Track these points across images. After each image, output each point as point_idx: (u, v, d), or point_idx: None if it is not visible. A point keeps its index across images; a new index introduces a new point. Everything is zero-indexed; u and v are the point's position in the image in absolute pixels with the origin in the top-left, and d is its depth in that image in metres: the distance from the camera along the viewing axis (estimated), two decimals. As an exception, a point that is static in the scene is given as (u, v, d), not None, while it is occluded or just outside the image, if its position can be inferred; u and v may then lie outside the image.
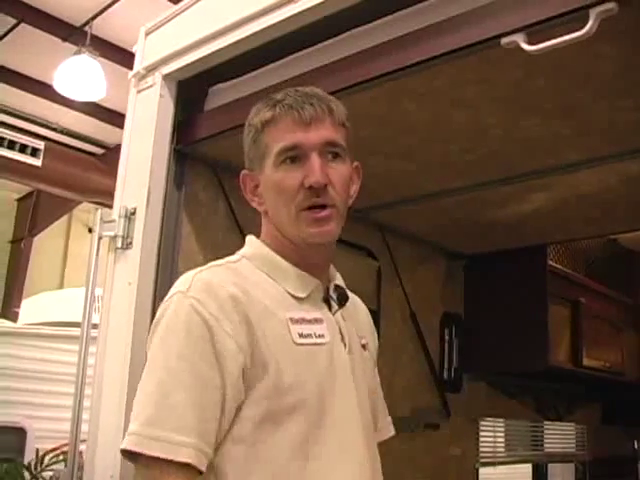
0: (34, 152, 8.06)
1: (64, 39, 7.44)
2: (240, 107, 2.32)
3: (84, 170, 8.68)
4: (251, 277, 1.47)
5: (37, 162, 8.07)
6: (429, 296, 3.71)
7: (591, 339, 4.09)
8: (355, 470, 1.44)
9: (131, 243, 2.35)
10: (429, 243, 3.73)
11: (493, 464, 4.48)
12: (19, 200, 11.39)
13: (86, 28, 7.30)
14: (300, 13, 2.04)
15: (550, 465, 5.28)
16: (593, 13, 1.56)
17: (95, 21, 7.24)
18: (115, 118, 8.62)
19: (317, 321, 1.48)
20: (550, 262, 3.86)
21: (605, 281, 4.53)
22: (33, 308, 7.56)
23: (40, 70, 8.11)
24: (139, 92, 2.54)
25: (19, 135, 8.12)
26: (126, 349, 2.24)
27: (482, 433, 4.18)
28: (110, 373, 2.29)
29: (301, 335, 1.42)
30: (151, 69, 2.50)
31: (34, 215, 10.96)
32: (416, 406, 3.45)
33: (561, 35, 1.62)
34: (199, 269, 1.46)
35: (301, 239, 1.47)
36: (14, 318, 8.25)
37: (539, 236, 3.59)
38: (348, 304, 1.60)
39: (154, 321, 1.43)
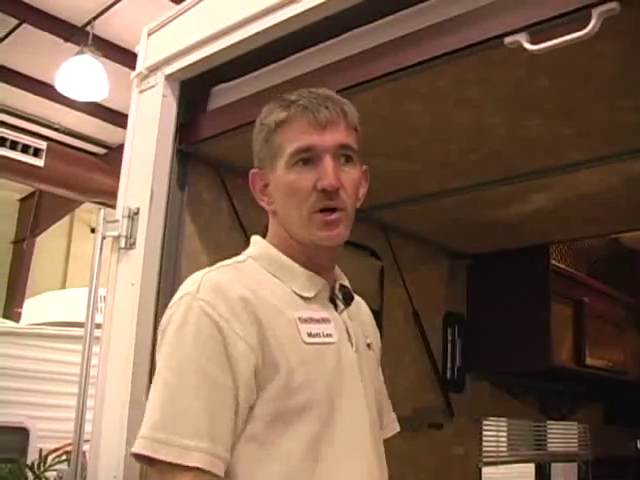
0: (36, 152, 8.08)
1: (66, 39, 7.45)
2: (243, 107, 2.33)
3: (86, 170, 8.69)
4: (258, 277, 1.47)
5: (39, 162, 8.08)
6: (432, 296, 3.71)
7: (594, 339, 4.09)
8: (364, 469, 1.44)
9: (134, 243, 2.35)
10: (432, 243, 3.73)
11: (496, 464, 4.48)
12: (21, 200, 11.41)
13: (88, 28, 7.31)
14: (302, 13, 2.04)
15: (553, 465, 5.28)
16: (595, 13, 1.56)
17: (97, 21, 7.25)
18: (117, 118, 8.64)
19: (325, 320, 1.48)
20: (553, 262, 3.86)
21: (607, 281, 4.53)
22: (35, 308, 7.56)
23: (42, 70, 8.12)
24: (141, 92, 2.54)
25: (21, 135, 8.13)
26: (129, 349, 2.25)
27: (485, 433, 4.18)
28: (113, 373, 2.30)
29: (310, 334, 1.42)
30: (153, 69, 2.50)
31: (36, 215, 10.97)
32: (419, 406, 3.45)
33: (563, 35, 1.62)
34: (207, 269, 1.45)
35: (310, 241, 1.47)
36: (16, 318, 8.26)
37: (541, 236, 3.59)
38: (353, 304, 1.60)
39: (163, 322, 1.43)
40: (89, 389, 2.36)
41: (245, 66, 2.35)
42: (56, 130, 9.42)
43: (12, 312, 9.68)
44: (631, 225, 3.48)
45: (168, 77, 2.46)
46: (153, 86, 2.48)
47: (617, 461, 5.25)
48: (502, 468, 4.66)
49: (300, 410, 1.36)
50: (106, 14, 7.12)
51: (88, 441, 2.31)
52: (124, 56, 7.35)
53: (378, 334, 1.76)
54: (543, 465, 5.19)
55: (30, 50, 7.77)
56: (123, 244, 2.37)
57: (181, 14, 2.47)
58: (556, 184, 2.85)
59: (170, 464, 1.27)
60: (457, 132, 2.43)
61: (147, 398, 1.38)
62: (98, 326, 2.40)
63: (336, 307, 1.54)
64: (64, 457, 4.92)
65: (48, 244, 11.44)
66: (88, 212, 11.38)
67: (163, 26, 2.53)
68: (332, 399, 1.41)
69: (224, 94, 2.46)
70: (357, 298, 1.71)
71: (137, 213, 2.37)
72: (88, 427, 2.33)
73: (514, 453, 4.73)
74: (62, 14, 7.28)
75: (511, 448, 4.66)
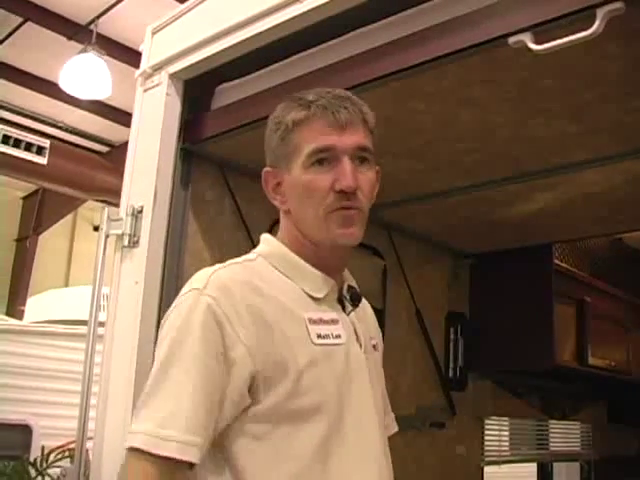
0: (40, 150, 8.09)
1: (70, 38, 7.46)
2: (246, 106, 2.33)
3: (89, 168, 8.70)
4: (268, 276, 1.47)
5: (43, 160, 8.09)
6: (435, 295, 3.71)
7: (596, 338, 4.08)
8: (374, 469, 1.45)
9: (138, 241, 2.36)
10: (435, 242, 3.73)
11: (498, 463, 4.48)
12: (24, 198, 11.43)
13: (92, 27, 7.32)
14: (306, 13, 2.04)
15: (555, 464, 5.28)
16: (600, 13, 1.56)
17: (100, 20, 7.26)
18: (120, 116, 8.65)
19: (334, 321, 1.48)
20: (556, 261, 3.86)
21: (610, 280, 4.53)
22: (39, 306, 7.59)
23: (46, 68, 8.14)
24: (146, 91, 2.54)
25: (25, 133, 8.14)
26: (133, 347, 2.25)
27: (487, 432, 4.18)
28: (117, 371, 2.30)
29: (319, 336, 1.43)
30: (157, 68, 2.50)
31: (39, 213, 10.99)
32: (421, 405, 3.45)
33: (568, 35, 1.62)
34: (218, 266, 1.46)
35: (328, 240, 1.47)
36: (19, 316, 8.28)
37: (546, 235, 3.59)
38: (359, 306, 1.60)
39: (167, 314, 1.44)
40: (92, 387, 2.36)
41: (249, 65, 2.35)
42: (59, 128, 9.44)
43: (15, 310, 9.70)
44: (636, 225, 3.47)
45: (172, 76, 2.46)
46: (157, 85, 2.48)
47: (620, 461, 5.24)
48: (504, 467, 4.65)
49: (309, 411, 1.37)
50: (110, 12, 7.13)
51: (91, 439, 2.32)
52: (127, 54, 7.37)
53: (380, 334, 1.77)
54: (545, 464, 5.19)
55: (34, 48, 7.79)
56: (127, 242, 2.37)
57: (185, 13, 2.48)
58: (561, 183, 2.84)
59: (167, 458, 1.29)
60: (462, 132, 2.43)
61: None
62: (101, 324, 2.41)
63: (344, 308, 1.54)
64: (66, 454, 4.93)
65: (51, 242, 11.46)
66: (91, 210, 11.40)
67: (167, 25, 2.54)
68: (341, 400, 1.42)
69: (228, 93, 2.46)
70: (362, 299, 1.72)
71: (141, 211, 2.38)
72: (91, 425, 2.34)
73: (516, 452, 4.73)
74: (66, 12, 7.29)
75: (513, 447, 4.66)
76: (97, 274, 2.40)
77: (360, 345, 1.52)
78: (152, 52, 2.56)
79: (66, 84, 7.41)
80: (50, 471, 4.90)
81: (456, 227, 3.48)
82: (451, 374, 3.74)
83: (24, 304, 9.02)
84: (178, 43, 2.43)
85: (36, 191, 10.86)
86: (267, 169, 1.56)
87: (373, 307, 1.78)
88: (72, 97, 7.82)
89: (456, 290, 3.87)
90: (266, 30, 2.15)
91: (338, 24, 2.06)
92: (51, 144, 8.24)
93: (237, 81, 2.44)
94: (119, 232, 2.38)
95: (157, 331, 2.19)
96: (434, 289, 3.74)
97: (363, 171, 1.46)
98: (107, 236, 2.41)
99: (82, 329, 5.50)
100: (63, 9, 7.24)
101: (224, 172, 2.68)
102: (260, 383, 1.35)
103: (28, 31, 7.46)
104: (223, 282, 1.40)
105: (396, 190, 2.87)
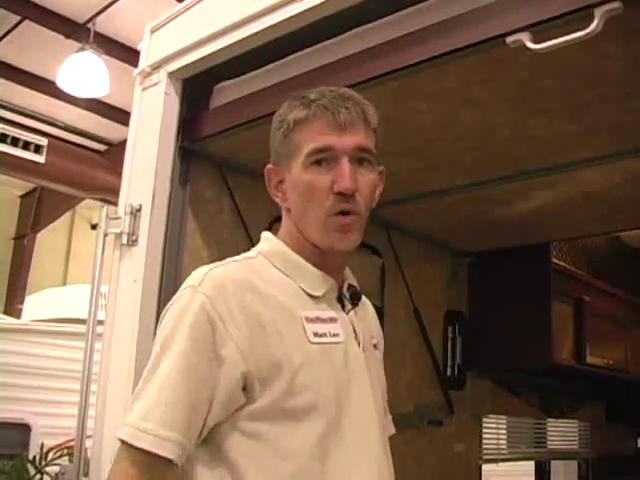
0: (37, 149, 8.07)
1: (67, 36, 7.45)
2: (245, 105, 2.34)
3: (87, 167, 8.69)
4: (267, 274, 1.47)
5: (40, 159, 8.07)
6: (433, 293, 3.72)
7: (595, 337, 4.09)
8: (374, 469, 1.45)
9: (137, 240, 2.36)
10: (433, 241, 3.73)
11: (496, 461, 4.49)
12: (22, 197, 11.43)
13: (89, 25, 7.31)
14: (304, 12, 2.04)
15: (553, 462, 5.29)
16: (598, 12, 1.57)
17: (98, 18, 7.24)
18: (118, 115, 8.64)
19: (332, 320, 1.48)
20: (554, 260, 3.87)
21: (608, 279, 4.53)
22: (37, 305, 7.58)
23: (43, 67, 8.13)
24: (144, 90, 2.54)
25: (22, 132, 8.12)
26: (132, 346, 2.26)
27: (485, 430, 4.18)
28: (116, 369, 2.31)
29: (316, 334, 1.42)
30: (156, 67, 2.50)
31: (37, 212, 10.98)
32: (420, 403, 3.46)
33: (566, 34, 1.63)
34: (215, 264, 1.46)
35: (324, 244, 1.46)
36: (17, 315, 8.28)
37: (545, 234, 3.59)
38: (360, 304, 1.59)
39: (163, 312, 1.45)
40: (91, 386, 2.37)
41: (248, 64, 2.35)
42: (57, 127, 9.43)
43: (13, 308, 9.70)
44: (635, 223, 3.48)
45: (171, 75, 2.46)
46: (156, 84, 2.48)
47: (617, 459, 5.25)
48: (502, 465, 4.66)
49: (305, 409, 1.37)
50: (107, 11, 7.12)
51: (90, 437, 2.32)
52: (125, 53, 7.37)
53: (382, 334, 1.76)
54: (543, 463, 5.19)
55: (32, 47, 7.78)
56: (125, 241, 2.37)
57: (184, 12, 2.48)
58: (560, 182, 2.85)
59: (145, 452, 1.30)
60: (462, 131, 2.43)
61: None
62: (100, 323, 2.41)
63: (343, 307, 1.54)
64: (65, 452, 4.94)
65: (49, 240, 11.45)
66: (89, 209, 11.39)
67: (166, 24, 2.54)
68: (339, 398, 1.41)
69: (226, 92, 2.47)
70: (363, 298, 1.72)
71: (139, 210, 2.38)
72: (90, 423, 2.34)
73: (514, 450, 4.73)
74: (64, 11, 7.28)
75: (511, 446, 4.67)
76: (96, 273, 2.40)
77: (359, 344, 1.52)
78: (151, 51, 2.56)
79: (64, 82, 7.40)
80: (48, 469, 4.91)
81: (455, 226, 3.48)
82: (449, 372, 3.74)
83: (22, 302, 9.02)
84: (177, 42, 2.43)
85: (34, 189, 10.85)
86: (269, 166, 1.55)
87: (372, 305, 1.78)
88: (70, 95, 7.81)
89: (455, 289, 3.88)
90: (264, 29, 2.15)
91: (336, 23, 2.06)
92: (49, 143, 8.22)
93: (235, 80, 2.44)
94: (118, 231, 2.38)
95: (156, 329, 2.21)
96: (433, 288, 3.74)
97: (363, 172, 1.45)
98: (106, 235, 2.41)
99: (80, 328, 5.51)
100: (61, 7, 7.23)
101: (223, 171, 2.68)
102: (255, 383, 1.35)
103: (26, 30, 7.45)
104: (218, 280, 1.40)
105: (395, 189, 2.86)
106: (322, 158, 1.44)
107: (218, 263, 1.47)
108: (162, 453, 1.30)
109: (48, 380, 5.70)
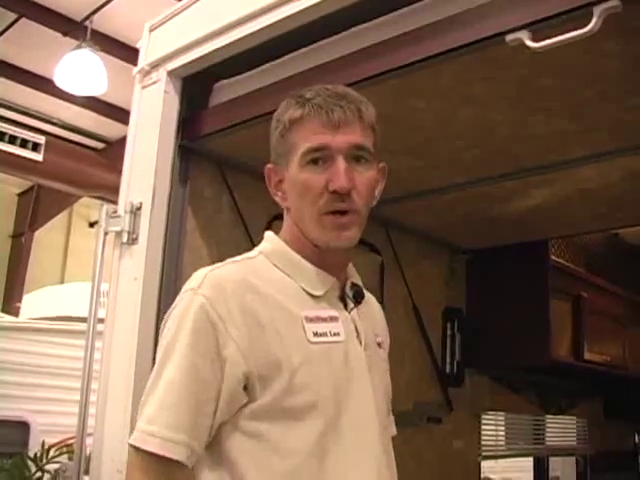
0: (35, 147, 8.06)
1: (65, 34, 7.44)
2: (244, 103, 2.34)
3: (85, 165, 8.68)
4: (267, 274, 1.47)
5: (38, 157, 8.06)
6: (432, 291, 3.72)
7: (593, 334, 4.10)
8: (373, 467, 1.45)
9: (137, 238, 2.37)
10: (432, 238, 3.73)
11: (495, 457, 4.50)
12: (20, 195, 11.42)
13: (87, 23, 7.30)
14: (302, 11, 2.05)
15: (551, 459, 5.30)
16: (597, 10, 1.57)
17: (95, 16, 7.24)
18: (116, 112, 8.64)
19: (333, 319, 1.48)
20: (552, 257, 3.87)
21: (606, 276, 4.54)
22: (35, 303, 7.58)
23: (41, 65, 8.12)
24: (144, 88, 2.55)
25: (20, 130, 8.12)
26: (132, 344, 2.26)
27: (484, 427, 4.19)
28: (116, 367, 2.31)
29: (316, 334, 1.43)
30: (155, 65, 2.50)
31: (35, 210, 10.98)
32: (419, 400, 3.46)
33: (565, 32, 1.63)
34: (215, 266, 1.47)
35: (322, 242, 1.47)
36: (15, 313, 8.28)
37: (543, 231, 3.60)
38: (364, 302, 1.59)
39: (165, 316, 1.46)
40: (92, 383, 2.37)
41: (247, 63, 2.36)
42: (55, 125, 9.42)
43: (11, 306, 9.69)
44: (633, 221, 3.49)
45: (170, 73, 2.46)
46: (155, 82, 2.49)
47: (615, 455, 5.27)
48: (501, 462, 4.68)
49: (304, 409, 1.37)
50: (105, 9, 7.11)
51: (91, 434, 2.33)
52: (123, 51, 7.37)
53: (388, 332, 1.76)
54: (541, 459, 5.21)
55: (29, 44, 7.77)
56: (125, 239, 2.38)
57: (182, 10, 2.48)
58: (559, 180, 2.86)
59: (153, 454, 1.32)
60: (462, 129, 2.44)
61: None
62: (100, 321, 2.42)
63: (346, 305, 1.54)
64: (64, 450, 4.95)
65: (46, 238, 11.45)
66: (86, 207, 11.40)
67: (165, 22, 2.54)
68: (339, 398, 1.42)
69: (226, 90, 2.47)
70: (369, 296, 1.71)
71: (139, 208, 2.39)
72: (90, 421, 2.34)
73: (513, 447, 4.75)
74: (61, 8, 7.27)
75: (510, 442, 4.68)
76: (96, 271, 2.41)
77: (360, 343, 1.51)
78: (150, 49, 2.56)
79: (61, 80, 7.39)
80: (48, 467, 4.92)
81: (454, 223, 3.49)
82: (448, 370, 3.75)
83: (20, 301, 9.01)
84: (176, 40, 2.43)
85: (31, 187, 10.84)
86: (269, 166, 1.56)
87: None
88: (68, 93, 7.80)
89: (453, 286, 3.89)
90: (264, 28, 2.16)
91: (335, 22, 2.07)
92: (47, 141, 8.22)
93: (235, 78, 2.45)
94: (118, 229, 2.39)
95: (156, 327, 2.22)
96: (431, 285, 3.74)
97: (360, 170, 1.45)
98: (106, 233, 2.42)
99: (78, 325, 5.53)
100: (58, 5, 7.22)
101: (222, 169, 2.69)
102: (255, 382, 1.36)
103: (23, 27, 7.44)
104: (217, 282, 1.41)
105: (394, 187, 2.85)
106: (318, 157, 1.44)
107: (217, 265, 1.47)
108: (169, 455, 1.32)
109: (46, 378, 5.71)
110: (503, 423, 4.57)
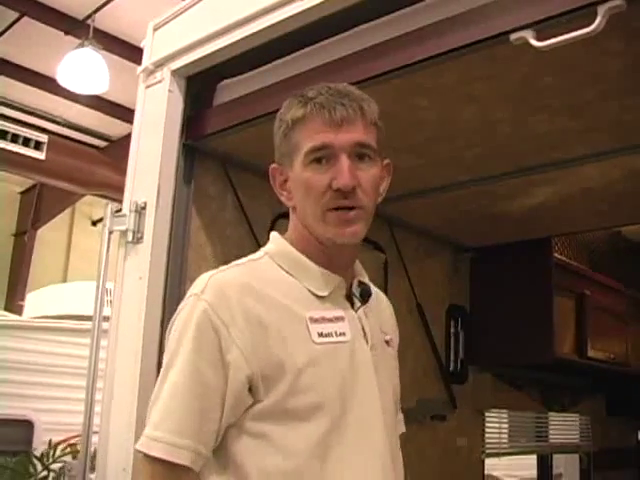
0: (37, 145, 8.06)
1: (67, 32, 7.44)
2: (248, 102, 2.34)
3: (87, 163, 8.68)
4: (271, 275, 1.48)
5: (40, 155, 8.06)
6: (435, 289, 3.73)
7: (596, 331, 4.10)
8: (377, 469, 1.45)
9: (142, 237, 2.37)
10: (435, 236, 3.74)
11: (498, 455, 4.50)
12: (22, 193, 11.42)
13: (89, 21, 7.30)
14: (308, 10, 2.05)
15: (554, 456, 5.30)
16: (601, 10, 1.57)
17: (97, 14, 7.24)
18: (118, 111, 8.65)
19: (338, 319, 1.47)
20: (555, 255, 3.87)
21: (609, 273, 4.54)
22: (38, 301, 7.58)
23: (43, 63, 8.12)
24: (148, 87, 2.55)
25: (22, 128, 8.11)
26: (137, 342, 2.27)
27: (488, 424, 4.20)
28: (122, 366, 2.32)
29: (321, 334, 1.43)
30: (159, 64, 2.51)
31: (37, 208, 10.98)
32: (422, 398, 3.47)
33: (569, 31, 1.63)
34: (219, 269, 1.47)
35: (326, 238, 1.46)
36: (18, 311, 8.28)
37: (545, 229, 3.60)
38: (373, 300, 1.59)
39: (170, 322, 1.47)
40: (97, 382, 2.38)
41: (251, 62, 2.36)
42: (57, 123, 9.42)
43: (14, 305, 9.70)
44: (635, 218, 3.49)
45: (174, 72, 2.47)
46: (159, 81, 2.49)
47: (619, 453, 5.27)
48: (504, 459, 4.68)
49: (309, 409, 1.38)
50: (106, 7, 7.11)
51: (96, 433, 2.34)
52: (125, 49, 7.37)
53: (397, 330, 1.76)
54: (545, 456, 5.21)
55: (31, 43, 7.77)
56: (130, 238, 2.38)
57: (187, 10, 2.48)
58: (561, 178, 2.86)
59: (158, 459, 1.33)
60: (464, 127, 2.44)
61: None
62: (105, 319, 2.42)
63: (353, 304, 1.54)
64: (68, 450, 4.95)
65: (49, 237, 11.45)
66: (89, 205, 11.41)
67: (169, 21, 2.54)
68: (344, 399, 1.42)
69: (230, 89, 2.47)
70: (379, 293, 1.72)
71: (144, 208, 2.39)
72: (96, 420, 2.35)
73: (516, 444, 4.75)
74: (63, 7, 7.28)
75: (513, 440, 4.68)
76: (101, 270, 2.42)
77: (367, 342, 1.51)
78: (154, 48, 2.56)
79: (64, 79, 7.39)
80: (52, 466, 4.92)
81: (457, 221, 3.49)
82: (452, 367, 3.76)
83: (23, 299, 9.01)
84: (180, 40, 2.44)
85: (34, 186, 10.84)
86: (274, 166, 1.56)
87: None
88: (70, 92, 7.80)
89: (456, 284, 3.89)
90: (268, 27, 2.16)
91: (340, 21, 2.07)
92: (49, 139, 8.22)
93: (239, 78, 2.45)
94: (123, 228, 2.39)
95: (162, 325, 2.23)
96: (435, 283, 3.75)
97: (363, 168, 1.45)
98: (111, 232, 2.42)
99: (82, 324, 5.53)
100: (60, 4, 7.23)
101: (226, 168, 2.69)
102: (259, 383, 1.37)
103: (25, 26, 7.44)
104: (220, 287, 1.41)
105: (398, 185, 2.85)
106: (320, 156, 1.44)
107: (221, 268, 1.48)
108: (176, 460, 1.33)
109: (50, 377, 5.71)
110: (506, 421, 4.57)
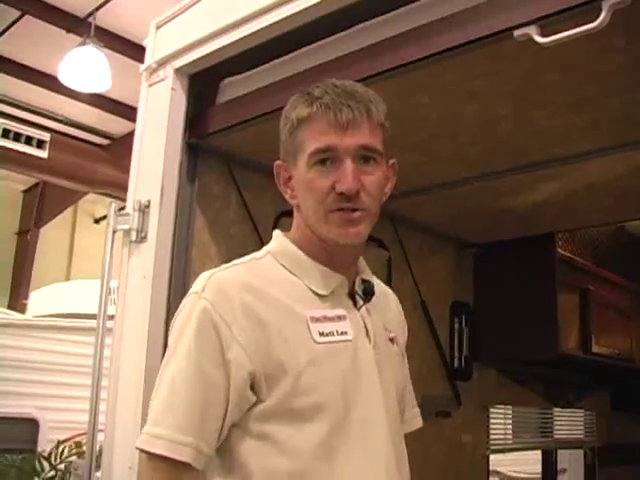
0: (40, 144, 8.06)
1: (68, 30, 7.44)
2: (252, 100, 2.34)
3: (90, 161, 8.69)
4: (273, 274, 1.47)
5: (43, 154, 8.07)
6: (439, 285, 3.73)
7: (600, 326, 4.10)
8: (381, 468, 1.44)
9: (145, 236, 2.37)
10: (439, 233, 3.74)
11: (503, 451, 4.50)
12: (25, 192, 11.44)
13: (90, 19, 7.30)
14: (312, 7, 2.05)
15: (559, 451, 5.30)
16: (605, 5, 1.57)
17: (99, 12, 7.23)
18: (120, 109, 8.65)
19: (340, 318, 1.47)
20: (559, 250, 3.87)
21: (613, 268, 4.54)
22: (42, 300, 7.60)
23: (45, 62, 8.13)
24: (150, 86, 2.55)
25: (25, 127, 8.12)
26: (142, 341, 2.27)
27: (492, 420, 4.20)
28: (127, 364, 2.32)
29: (322, 334, 1.42)
30: (162, 63, 2.51)
31: (40, 206, 11.00)
32: (427, 394, 3.46)
33: (574, 27, 1.63)
34: (220, 267, 1.47)
35: (330, 239, 1.46)
36: (22, 310, 8.30)
37: (549, 224, 3.60)
38: (379, 297, 1.59)
39: (173, 320, 1.47)
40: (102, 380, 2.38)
41: (254, 59, 2.36)
42: (59, 121, 9.43)
43: (17, 304, 9.72)
44: (639, 213, 3.48)
45: (177, 71, 2.46)
46: (162, 80, 2.49)
47: (623, 448, 5.26)
48: (509, 455, 4.67)
49: (311, 409, 1.37)
50: (108, 5, 7.11)
51: (101, 431, 2.34)
52: (127, 47, 7.37)
53: (405, 327, 1.76)
54: (549, 452, 5.21)
55: (32, 42, 7.77)
56: (134, 237, 2.38)
57: (189, 7, 2.48)
58: (565, 174, 2.85)
59: (159, 456, 1.32)
60: (466, 124, 2.43)
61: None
62: (109, 318, 2.42)
63: (356, 302, 1.53)
64: (74, 449, 4.96)
65: (52, 235, 11.47)
66: (92, 203, 11.41)
67: (171, 19, 2.54)
68: (347, 398, 1.41)
69: (233, 87, 2.47)
70: (387, 290, 1.72)
71: (148, 206, 2.39)
72: (101, 418, 2.35)
73: (521, 440, 4.75)
74: (64, 5, 7.27)
75: (518, 435, 4.68)
76: (105, 270, 2.41)
77: (369, 341, 1.50)
78: (156, 47, 2.56)
79: (65, 77, 7.39)
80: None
81: (460, 218, 3.49)
82: (456, 364, 3.75)
83: (26, 297, 9.04)
84: (183, 38, 2.43)
85: (37, 184, 10.86)
86: (278, 162, 1.55)
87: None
88: (72, 90, 7.80)
89: (460, 280, 3.89)
90: (271, 24, 2.16)
91: (343, 18, 2.07)
92: (51, 137, 8.22)
93: (242, 76, 2.45)
94: (127, 227, 2.39)
95: (166, 324, 2.23)
96: (438, 279, 3.75)
97: (368, 170, 1.44)
98: (114, 231, 2.42)
99: (85, 322, 5.54)
100: (61, 2, 7.22)
101: (230, 166, 2.69)
102: (262, 381, 1.36)
103: (27, 25, 7.45)
104: (220, 285, 1.41)
105: (401, 182, 2.85)
106: (324, 158, 1.43)
107: (222, 266, 1.48)
108: (178, 457, 1.32)
109: (55, 375, 5.73)
110: (511, 417, 4.57)
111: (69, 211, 11.58)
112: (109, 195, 8.55)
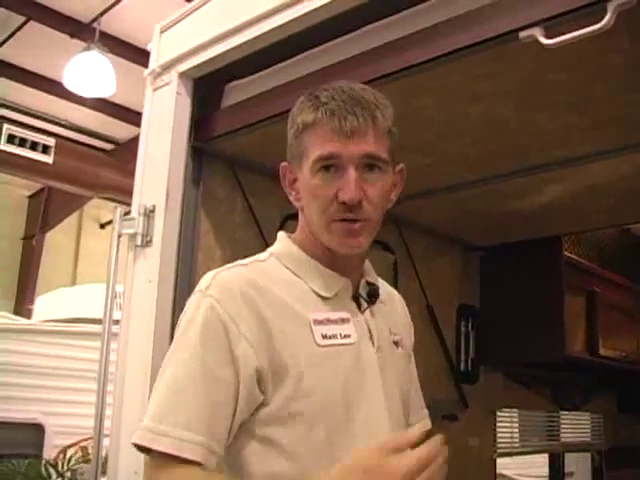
0: (45, 149, 8.11)
1: (73, 36, 7.47)
2: (256, 104, 2.34)
3: (95, 166, 8.73)
4: (277, 276, 1.47)
5: (48, 159, 8.10)
6: (445, 288, 3.72)
7: (607, 329, 4.08)
8: None
9: (151, 241, 2.37)
10: (445, 236, 3.73)
11: (510, 454, 4.49)
12: (30, 197, 11.47)
13: (94, 24, 7.32)
14: (316, 10, 2.04)
15: (566, 455, 5.29)
16: (611, 6, 1.56)
17: (103, 17, 7.26)
18: (125, 114, 8.67)
19: (343, 321, 1.46)
20: (565, 253, 3.85)
21: (619, 271, 4.52)
22: (47, 305, 7.61)
23: (49, 67, 8.16)
24: (155, 90, 2.55)
25: (30, 132, 8.15)
26: (148, 345, 2.27)
27: (499, 424, 4.18)
28: (132, 369, 2.32)
29: (324, 336, 1.42)
30: (167, 67, 2.51)
31: (45, 212, 11.04)
32: (433, 398, 3.45)
33: (579, 29, 1.62)
34: (223, 267, 1.46)
35: (331, 247, 1.46)
36: (28, 315, 8.31)
37: (554, 227, 3.58)
38: (385, 299, 1.59)
39: (179, 320, 1.46)
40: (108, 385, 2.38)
41: (259, 63, 2.36)
42: (64, 126, 9.45)
43: (23, 309, 9.74)
44: (646, 216, 3.48)
45: (182, 75, 2.46)
46: (167, 84, 2.49)
47: (631, 450, 5.24)
48: (516, 458, 4.66)
49: (313, 413, 1.37)
50: (112, 10, 7.13)
51: (107, 436, 2.33)
52: (131, 52, 7.39)
53: (412, 330, 1.75)
54: (556, 455, 5.19)
55: (37, 47, 7.81)
56: (139, 242, 2.38)
57: (193, 11, 2.48)
58: (569, 176, 2.84)
59: (165, 454, 1.29)
60: (470, 126, 2.42)
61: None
62: (115, 322, 2.42)
63: (360, 305, 1.53)
64: (79, 455, 4.96)
65: (57, 240, 11.50)
66: (97, 208, 11.44)
67: (175, 24, 2.54)
68: (349, 401, 1.41)
69: (237, 91, 2.47)
70: (393, 292, 1.72)
71: (153, 211, 2.39)
72: (107, 423, 2.35)
73: (528, 444, 4.73)
74: (68, 11, 7.31)
75: (525, 439, 4.66)
76: (111, 274, 2.41)
77: (373, 344, 1.50)
78: (161, 51, 2.56)
79: (70, 82, 7.42)
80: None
81: (465, 220, 3.48)
82: (462, 367, 3.74)
83: (32, 302, 9.05)
84: (187, 42, 2.43)
85: (42, 189, 10.90)
86: (284, 164, 1.54)
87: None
88: (76, 95, 7.83)
89: (466, 283, 3.88)
90: (276, 28, 2.16)
91: (348, 21, 2.06)
92: (56, 143, 8.25)
93: (246, 79, 2.45)
94: (132, 232, 2.39)
95: (172, 328, 2.22)
96: (445, 282, 3.74)
97: (372, 179, 1.42)
98: (120, 236, 2.42)
99: (91, 327, 5.55)
100: (65, 7, 7.26)
101: (235, 170, 2.69)
102: (268, 378, 1.36)
103: (31, 30, 7.48)
104: (225, 283, 1.41)
105: (406, 185, 2.86)
106: (328, 165, 1.42)
107: (226, 266, 1.47)
108: (182, 455, 1.29)
109: (60, 380, 5.74)
110: (518, 420, 4.55)
111: (74, 216, 11.61)
112: (113, 200, 8.56)
